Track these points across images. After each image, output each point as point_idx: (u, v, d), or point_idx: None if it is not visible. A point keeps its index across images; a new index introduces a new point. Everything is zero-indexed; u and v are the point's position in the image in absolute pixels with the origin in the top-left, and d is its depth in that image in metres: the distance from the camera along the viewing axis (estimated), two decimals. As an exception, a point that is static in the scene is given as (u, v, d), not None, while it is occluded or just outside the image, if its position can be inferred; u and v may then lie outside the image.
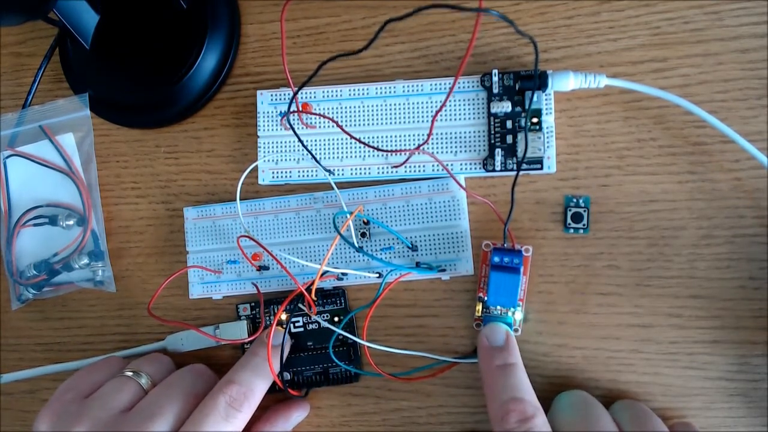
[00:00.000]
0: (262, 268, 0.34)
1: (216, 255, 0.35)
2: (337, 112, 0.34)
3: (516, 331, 0.32)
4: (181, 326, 0.33)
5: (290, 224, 0.34)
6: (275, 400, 0.34)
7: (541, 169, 0.31)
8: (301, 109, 0.33)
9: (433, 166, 0.33)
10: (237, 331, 0.34)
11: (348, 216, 0.31)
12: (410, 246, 0.32)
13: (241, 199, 0.34)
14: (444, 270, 0.32)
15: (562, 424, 0.28)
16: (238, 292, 0.34)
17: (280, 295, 0.34)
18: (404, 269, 0.32)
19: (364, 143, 0.32)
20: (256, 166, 0.34)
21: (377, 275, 0.33)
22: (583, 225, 0.32)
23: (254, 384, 0.30)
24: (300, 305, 0.33)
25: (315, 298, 0.32)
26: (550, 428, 0.27)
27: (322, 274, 0.31)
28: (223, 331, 0.34)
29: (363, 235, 0.33)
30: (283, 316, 0.33)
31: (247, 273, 0.34)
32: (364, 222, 0.33)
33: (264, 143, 0.34)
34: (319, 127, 0.34)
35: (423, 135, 0.33)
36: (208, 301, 0.35)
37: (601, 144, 0.32)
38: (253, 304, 0.34)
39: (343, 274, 0.33)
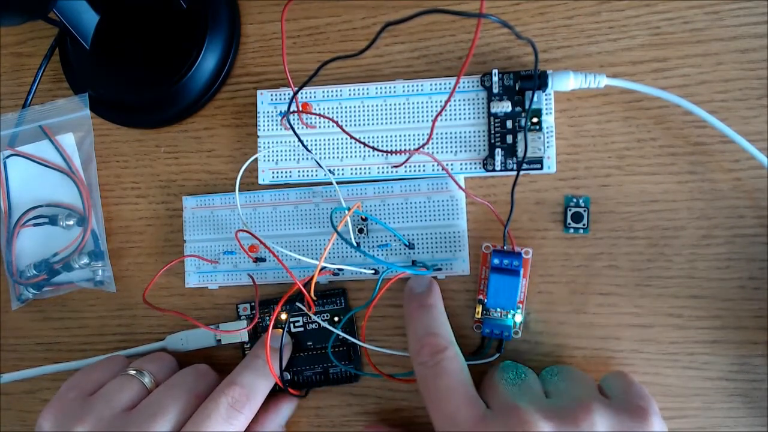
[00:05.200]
0: (258, 259, 0.34)
1: (213, 245, 0.35)
2: (337, 112, 0.34)
3: (516, 333, 0.32)
4: (177, 315, 0.33)
5: (288, 217, 0.34)
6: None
7: (541, 169, 0.31)
8: (301, 109, 0.33)
9: (433, 166, 0.33)
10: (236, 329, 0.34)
11: (346, 212, 0.31)
12: (407, 244, 0.32)
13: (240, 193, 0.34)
14: (440, 269, 0.32)
15: (502, 384, 0.28)
16: (234, 283, 0.34)
17: (277, 288, 0.34)
18: (399, 269, 0.32)
19: (364, 143, 0.32)
20: (257, 164, 0.34)
21: (373, 272, 0.33)
22: (583, 225, 0.32)
23: (256, 385, 0.30)
24: (299, 304, 0.33)
25: (314, 298, 0.32)
26: (461, 359, 0.28)
27: (319, 270, 0.31)
28: (222, 330, 0.34)
29: (360, 231, 0.33)
30: (283, 316, 0.33)
31: (243, 264, 0.34)
32: (362, 218, 0.33)
33: (264, 143, 0.34)
34: (319, 127, 0.34)
35: (423, 135, 0.33)
36: (207, 300, 0.35)
37: (601, 144, 0.32)
38: (253, 303, 0.34)
39: (339, 269, 0.33)
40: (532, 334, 0.32)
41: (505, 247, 0.32)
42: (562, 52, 0.32)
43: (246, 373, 0.30)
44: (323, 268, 0.33)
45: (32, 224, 0.37)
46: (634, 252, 0.31)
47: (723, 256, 0.31)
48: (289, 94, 0.34)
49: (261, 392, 0.30)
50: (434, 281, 0.32)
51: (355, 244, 0.31)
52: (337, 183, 0.33)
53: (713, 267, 0.31)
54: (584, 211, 0.32)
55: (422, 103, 0.33)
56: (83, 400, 0.29)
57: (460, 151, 0.32)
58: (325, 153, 0.34)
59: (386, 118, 0.33)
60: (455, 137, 0.33)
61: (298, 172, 0.34)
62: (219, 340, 0.34)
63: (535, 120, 0.31)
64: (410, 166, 0.33)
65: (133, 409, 0.29)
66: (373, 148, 0.33)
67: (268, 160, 0.34)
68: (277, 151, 0.34)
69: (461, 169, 0.32)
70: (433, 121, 0.31)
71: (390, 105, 0.33)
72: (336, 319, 0.33)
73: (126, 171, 0.37)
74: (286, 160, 0.34)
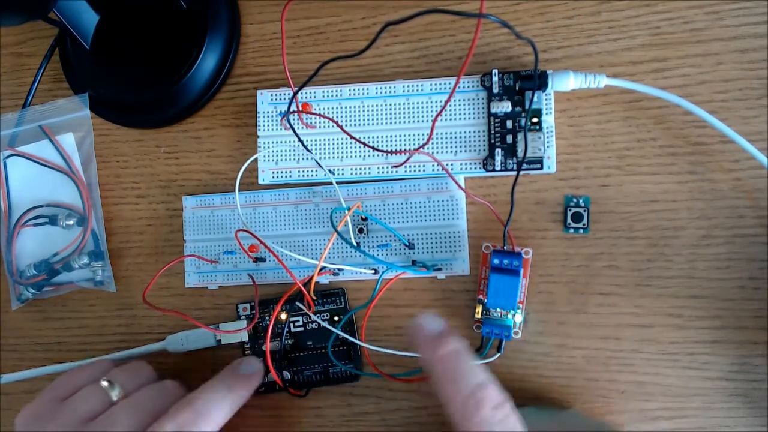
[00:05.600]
0: (258, 259, 0.34)
1: (213, 245, 0.35)
2: (337, 112, 0.34)
3: (516, 333, 0.32)
4: (177, 315, 0.33)
5: (288, 217, 0.34)
6: (277, 399, 0.34)
7: (541, 169, 0.31)
8: (301, 109, 0.33)
9: (433, 166, 0.33)
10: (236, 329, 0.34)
11: (346, 212, 0.31)
12: (407, 244, 0.32)
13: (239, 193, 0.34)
14: (440, 269, 0.32)
15: None
16: (234, 283, 0.34)
17: (277, 288, 0.34)
18: (399, 268, 0.32)
19: (364, 143, 0.32)
20: (257, 164, 0.34)
21: (373, 272, 0.33)
22: (583, 225, 0.32)
23: (210, 410, 0.29)
24: (299, 304, 0.33)
25: (314, 297, 0.32)
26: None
27: (319, 270, 0.31)
28: (222, 330, 0.34)
29: (360, 231, 0.33)
30: (283, 316, 0.33)
31: (243, 264, 0.34)
32: (362, 218, 0.33)
33: (264, 143, 0.34)
34: (319, 127, 0.34)
35: (423, 135, 0.33)
36: (207, 300, 0.35)
37: (601, 144, 0.32)
38: (252, 303, 0.34)
39: (339, 269, 0.33)
40: (532, 334, 0.32)
41: (505, 247, 0.32)
42: (562, 52, 0.32)
43: (204, 396, 0.29)
44: (323, 268, 0.33)
45: (32, 224, 0.37)
46: (634, 252, 0.31)
47: (723, 256, 0.31)
48: (289, 94, 0.34)
49: (215, 418, 0.29)
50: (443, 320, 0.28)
51: (355, 244, 0.31)
52: (337, 183, 0.33)
53: (713, 267, 0.31)
54: (584, 211, 0.32)
55: (422, 103, 0.33)
56: (55, 405, 0.30)
57: (460, 151, 0.32)
58: (325, 153, 0.34)
59: (386, 118, 0.33)
60: (455, 137, 0.32)
61: (298, 172, 0.34)
62: (219, 340, 0.34)
63: (535, 120, 0.31)
64: (410, 166, 0.33)
65: (91, 422, 0.29)
66: (373, 148, 0.33)
67: (268, 160, 0.34)
68: (277, 151, 0.34)
69: (461, 169, 0.32)
70: (433, 121, 0.31)
71: (390, 105, 0.33)
72: (336, 318, 0.33)
73: (126, 171, 0.37)
74: (286, 160, 0.34)
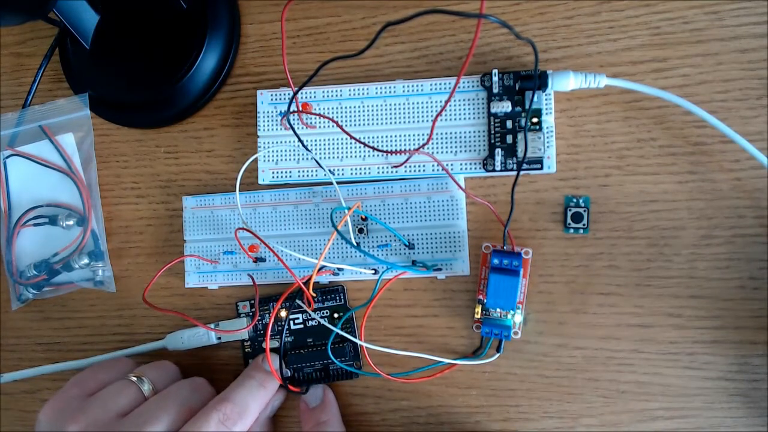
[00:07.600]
0: (258, 259, 0.34)
1: (213, 245, 0.35)
2: (337, 112, 0.34)
3: (516, 333, 0.32)
4: (177, 315, 0.33)
5: (288, 217, 0.34)
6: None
7: (541, 169, 0.31)
8: (301, 109, 0.33)
9: (433, 166, 0.33)
10: (236, 328, 0.34)
11: (346, 212, 0.31)
12: (407, 244, 0.32)
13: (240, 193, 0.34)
14: (440, 269, 0.32)
15: None
16: (234, 283, 0.34)
17: (277, 288, 0.34)
18: (399, 268, 0.32)
19: (364, 143, 0.32)
20: (257, 163, 0.34)
21: (373, 271, 0.33)
22: (583, 225, 0.32)
23: (248, 404, 0.30)
24: (298, 301, 0.33)
25: (314, 294, 0.32)
26: None
27: (319, 269, 0.31)
28: (222, 328, 0.34)
29: (360, 231, 0.33)
30: (283, 314, 0.33)
31: (243, 264, 0.34)
32: (362, 218, 0.33)
33: (264, 143, 0.34)
34: (319, 127, 0.34)
35: (423, 135, 0.33)
36: (207, 300, 0.35)
37: (601, 144, 0.32)
38: (252, 301, 0.34)
39: (339, 269, 0.33)
40: (532, 334, 0.32)
41: (505, 247, 0.32)
42: (562, 52, 0.32)
43: (239, 392, 0.30)
44: (323, 267, 0.33)
45: (32, 224, 0.37)
46: (634, 252, 0.31)
47: (723, 256, 0.31)
48: (289, 94, 0.34)
49: (252, 411, 0.30)
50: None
51: (355, 244, 0.31)
52: (337, 183, 0.33)
53: (713, 267, 0.31)
54: (584, 211, 0.32)
55: (422, 103, 0.33)
56: (82, 400, 0.29)
57: (460, 151, 0.32)
58: (325, 153, 0.34)
59: (386, 118, 0.33)
60: (455, 137, 0.33)
61: (298, 172, 0.34)
62: (219, 338, 0.34)
63: (535, 120, 0.31)
64: (410, 166, 0.33)
65: (126, 416, 0.29)
66: (373, 148, 0.33)
67: (268, 160, 0.34)
68: (277, 151, 0.34)
69: (461, 169, 0.32)
70: (433, 121, 0.31)
71: (390, 105, 0.33)
72: (336, 315, 0.33)
73: (126, 171, 0.37)
74: (286, 160, 0.34)
